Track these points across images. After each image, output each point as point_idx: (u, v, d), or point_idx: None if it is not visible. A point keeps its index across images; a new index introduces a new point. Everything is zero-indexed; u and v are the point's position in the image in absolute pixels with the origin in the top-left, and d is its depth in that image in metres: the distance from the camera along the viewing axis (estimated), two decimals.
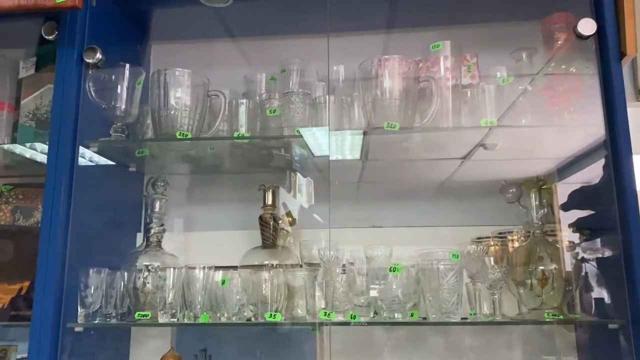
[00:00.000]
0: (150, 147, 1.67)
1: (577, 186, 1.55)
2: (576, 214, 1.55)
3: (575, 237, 1.47)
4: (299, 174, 1.80)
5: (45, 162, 1.52)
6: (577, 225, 1.48)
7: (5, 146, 1.74)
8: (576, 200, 1.55)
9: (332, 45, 1.58)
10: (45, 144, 1.52)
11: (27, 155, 1.76)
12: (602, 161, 1.37)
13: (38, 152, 1.73)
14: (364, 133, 1.54)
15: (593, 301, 1.42)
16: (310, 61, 1.78)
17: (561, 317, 1.35)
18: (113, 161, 1.70)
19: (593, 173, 1.42)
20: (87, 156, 1.56)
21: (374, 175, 1.88)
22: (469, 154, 1.66)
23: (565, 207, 1.59)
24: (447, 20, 1.80)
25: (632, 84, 1.80)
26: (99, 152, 1.59)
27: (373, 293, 1.42)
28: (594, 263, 1.43)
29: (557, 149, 1.55)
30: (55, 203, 1.44)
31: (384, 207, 1.83)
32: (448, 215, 1.75)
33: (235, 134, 1.55)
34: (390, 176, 1.88)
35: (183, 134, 1.51)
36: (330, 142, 1.52)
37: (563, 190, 1.59)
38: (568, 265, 1.43)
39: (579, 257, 1.44)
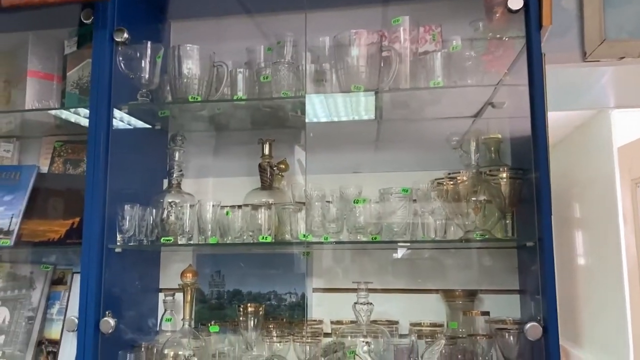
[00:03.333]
0: (170, 108, 2.05)
1: (516, 135, 1.87)
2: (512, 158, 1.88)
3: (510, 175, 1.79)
4: (294, 130, 2.16)
5: (87, 123, 1.93)
6: (510, 167, 1.81)
7: (53, 112, 2.17)
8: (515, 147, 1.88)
9: (321, 19, 1.95)
10: (87, 109, 1.92)
11: (72, 120, 2.18)
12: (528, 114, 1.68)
13: (81, 116, 2.15)
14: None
15: (524, 226, 1.75)
16: (304, 34, 2.11)
17: (486, 236, 1.70)
18: (142, 121, 2.10)
19: (523, 125, 1.72)
20: (119, 117, 1.96)
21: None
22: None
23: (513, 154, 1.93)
24: None
25: (579, 48, 2.08)
26: (129, 114, 1.98)
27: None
28: (523, 196, 1.76)
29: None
30: (96, 155, 1.85)
31: (366, 156, 2.19)
32: (417, 162, 2.08)
33: (235, 97, 1.93)
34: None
35: (194, 97, 1.89)
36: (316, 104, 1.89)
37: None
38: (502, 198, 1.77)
39: (512, 192, 1.77)
